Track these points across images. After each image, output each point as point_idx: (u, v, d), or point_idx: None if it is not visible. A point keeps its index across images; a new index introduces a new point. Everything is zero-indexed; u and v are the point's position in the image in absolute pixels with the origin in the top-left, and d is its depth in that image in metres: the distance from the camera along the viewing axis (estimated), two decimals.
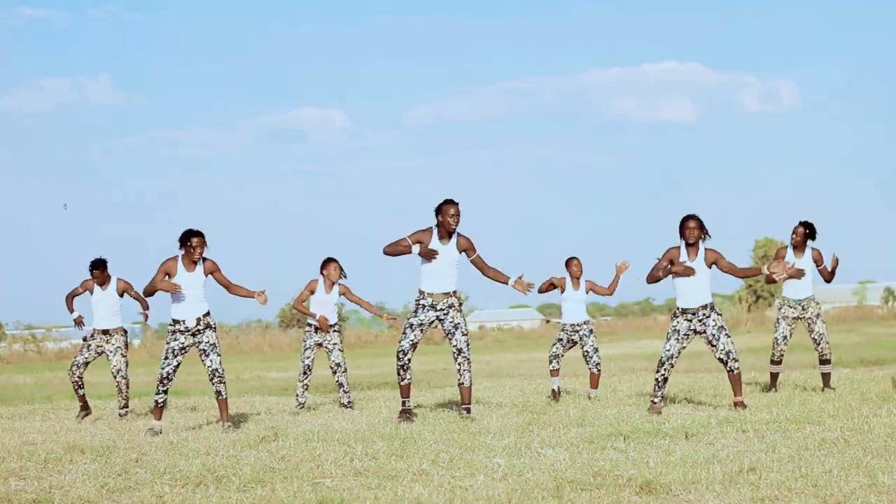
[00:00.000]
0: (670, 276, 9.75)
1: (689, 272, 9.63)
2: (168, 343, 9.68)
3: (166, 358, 9.64)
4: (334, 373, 11.91)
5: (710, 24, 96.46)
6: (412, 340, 9.68)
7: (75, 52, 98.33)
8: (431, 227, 9.72)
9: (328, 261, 11.94)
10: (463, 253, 9.74)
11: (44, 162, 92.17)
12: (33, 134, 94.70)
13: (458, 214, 9.64)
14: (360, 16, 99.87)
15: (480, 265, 9.80)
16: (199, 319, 9.68)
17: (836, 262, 11.78)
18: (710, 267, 9.74)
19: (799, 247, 11.74)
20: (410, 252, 9.67)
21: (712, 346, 9.79)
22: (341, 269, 11.92)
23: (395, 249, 9.65)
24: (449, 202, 9.65)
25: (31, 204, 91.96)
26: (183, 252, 9.63)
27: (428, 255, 9.60)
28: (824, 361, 11.91)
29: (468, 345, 9.70)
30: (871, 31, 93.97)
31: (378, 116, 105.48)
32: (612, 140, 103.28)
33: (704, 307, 9.76)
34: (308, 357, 11.95)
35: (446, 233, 9.68)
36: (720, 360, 9.80)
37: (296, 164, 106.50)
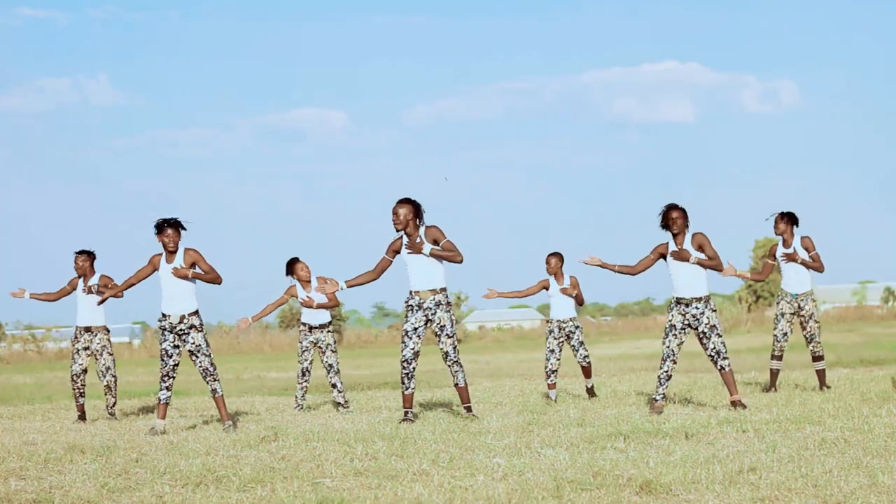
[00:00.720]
0: (664, 262, 9.81)
1: (684, 255, 9.69)
2: (160, 344, 9.69)
3: (162, 358, 9.66)
4: (327, 373, 11.92)
5: (710, 24, 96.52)
6: (412, 348, 9.62)
7: (75, 52, 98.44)
8: (401, 236, 9.73)
9: (294, 262, 11.94)
10: (436, 244, 9.64)
11: (44, 162, 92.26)
12: (33, 134, 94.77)
13: (396, 213, 9.60)
14: (360, 16, 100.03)
15: (446, 248, 9.66)
16: (182, 318, 9.66)
17: (803, 258, 11.74)
18: (700, 251, 9.76)
19: (787, 239, 11.76)
20: (391, 263, 9.73)
21: (703, 344, 9.81)
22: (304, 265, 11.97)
23: (378, 273, 9.75)
24: (397, 202, 9.65)
25: (31, 204, 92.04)
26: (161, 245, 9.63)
27: (416, 248, 9.57)
28: (817, 358, 11.93)
29: (455, 347, 9.65)
30: (871, 32, 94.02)
31: (378, 116, 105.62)
32: (612, 140, 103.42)
33: (699, 299, 9.77)
34: (305, 359, 11.93)
35: (410, 232, 9.65)
36: (710, 357, 9.82)
37: (296, 164, 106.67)
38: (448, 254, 9.60)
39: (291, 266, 11.95)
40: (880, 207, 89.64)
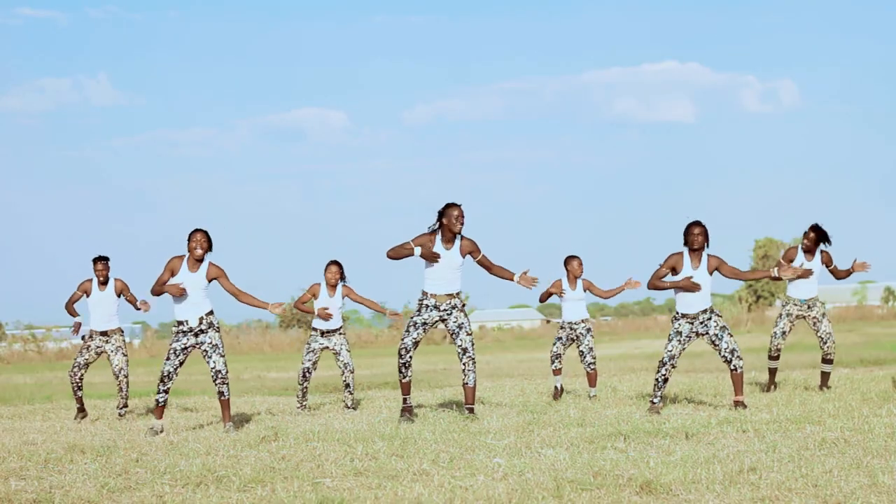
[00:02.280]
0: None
1: (694, 288, 9.64)
2: (171, 343, 9.67)
3: (168, 357, 9.63)
4: (342, 373, 11.87)
5: (710, 24, 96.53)
6: (415, 338, 9.69)
7: (75, 52, 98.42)
8: (436, 231, 9.72)
9: (328, 264, 11.88)
10: (468, 256, 9.75)
11: (44, 162, 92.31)
12: (33, 134, 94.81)
13: (462, 216, 9.64)
14: (360, 16, 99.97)
15: (487, 265, 9.83)
16: (201, 319, 9.67)
17: (860, 268, 11.90)
18: (711, 273, 9.79)
19: (810, 250, 11.77)
20: (413, 255, 9.67)
21: (715, 345, 9.80)
22: (341, 271, 11.83)
23: (399, 253, 9.65)
24: (453, 205, 9.65)
25: (31, 204, 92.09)
26: (188, 251, 9.63)
27: (431, 258, 9.61)
28: (827, 360, 11.94)
29: (472, 344, 9.72)
30: (871, 32, 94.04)
31: (378, 116, 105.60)
32: (612, 140, 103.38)
33: (704, 311, 9.80)
34: (309, 360, 11.85)
35: (451, 236, 9.68)
36: (724, 358, 9.81)
37: (296, 164, 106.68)
38: (502, 272, 9.84)
39: (326, 268, 11.81)
40: (880, 207, 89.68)
